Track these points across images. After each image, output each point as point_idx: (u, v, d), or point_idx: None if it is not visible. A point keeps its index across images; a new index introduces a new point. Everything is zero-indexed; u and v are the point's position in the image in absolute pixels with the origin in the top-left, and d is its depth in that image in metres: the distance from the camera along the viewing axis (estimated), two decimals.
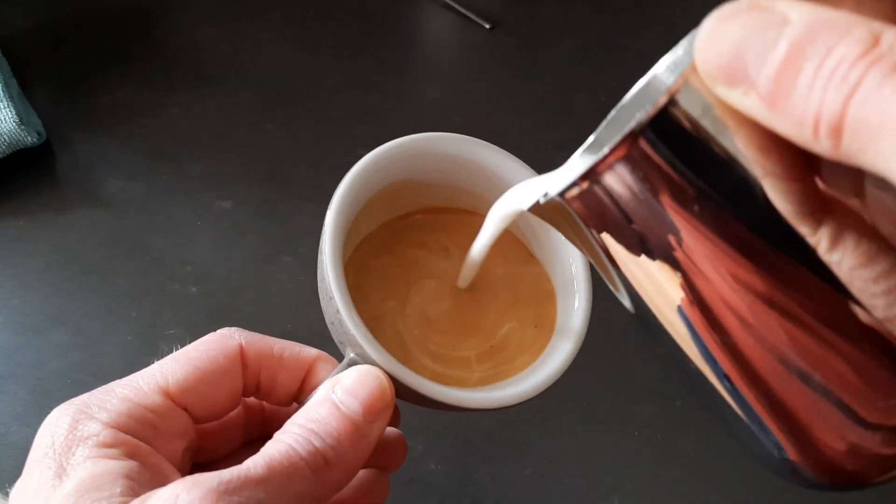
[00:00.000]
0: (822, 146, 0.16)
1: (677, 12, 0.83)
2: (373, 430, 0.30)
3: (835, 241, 0.18)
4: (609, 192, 0.21)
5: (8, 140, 0.63)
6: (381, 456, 0.35)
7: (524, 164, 0.37)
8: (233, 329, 0.33)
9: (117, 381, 0.30)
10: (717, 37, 0.17)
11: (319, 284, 0.33)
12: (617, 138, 0.20)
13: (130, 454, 0.27)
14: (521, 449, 0.54)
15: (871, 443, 0.20)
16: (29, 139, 0.64)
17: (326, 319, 0.34)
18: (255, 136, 0.71)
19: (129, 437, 0.28)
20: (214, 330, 0.56)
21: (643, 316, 0.24)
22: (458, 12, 0.84)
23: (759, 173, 0.19)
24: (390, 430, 0.36)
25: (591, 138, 0.22)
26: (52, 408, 0.53)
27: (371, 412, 0.30)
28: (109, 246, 0.62)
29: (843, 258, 0.18)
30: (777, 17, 0.17)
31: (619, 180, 0.21)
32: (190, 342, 0.56)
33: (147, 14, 0.82)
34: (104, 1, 0.83)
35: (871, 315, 0.19)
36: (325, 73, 0.77)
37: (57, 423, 0.28)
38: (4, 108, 0.63)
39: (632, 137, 0.20)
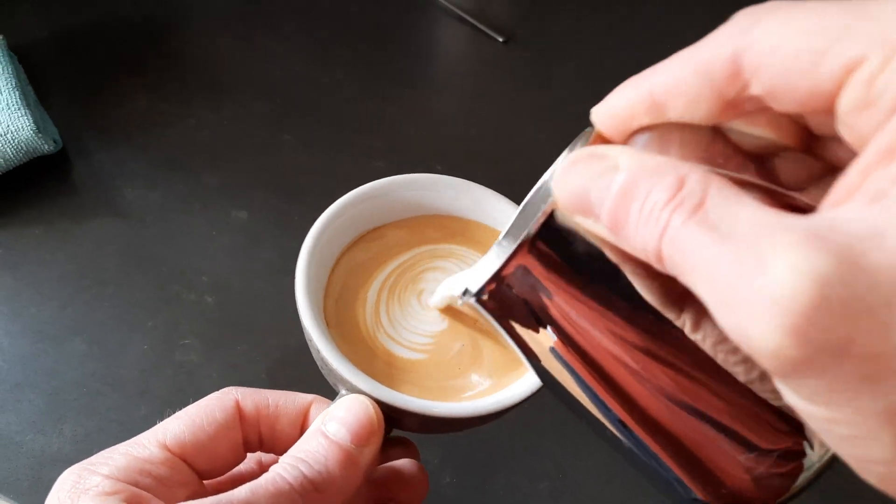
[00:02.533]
0: (657, 266, 0.19)
1: (686, 26, 0.83)
2: (363, 455, 0.31)
3: (695, 324, 0.22)
4: (510, 291, 0.26)
5: (25, 148, 0.63)
6: (402, 490, 0.37)
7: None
8: (231, 387, 0.35)
9: (122, 443, 0.32)
10: (567, 180, 0.22)
11: (302, 325, 0.34)
12: (510, 250, 0.25)
13: (130, 500, 0.29)
14: (538, 462, 0.54)
15: (765, 467, 0.23)
16: (45, 147, 0.64)
17: (317, 363, 0.35)
18: (271, 146, 0.71)
19: (128, 486, 0.29)
20: (229, 340, 0.57)
21: (549, 384, 0.28)
22: (472, 25, 0.84)
23: (627, 272, 0.23)
24: (409, 463, 0.37)
25: (499, 238, 0.26)
26: (67, 417, 0.53)
27: (359, 437, 0.31)
28: (126, 255, 0.62)
29: (704, 337, 0.22)
30: (610, 164, 0.20)
31: (518, 281, 0.26)
32: (205, 352, 0.56)
33: (163, 24, 0.83)
34: (121, 11, 0.84)
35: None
36: (339, 85, 0.77)
37: (63, 481, 0.30)
38: (22, 116, 0.63)
39: (522, 248, 0.25)
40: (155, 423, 0.33)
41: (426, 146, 0.72)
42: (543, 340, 0.26)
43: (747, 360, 0.22)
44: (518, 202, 0.39)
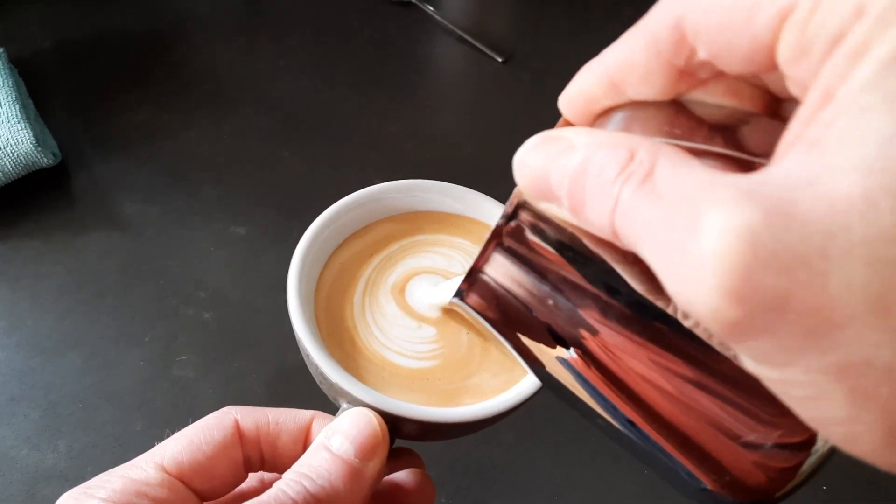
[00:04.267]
0: (617, 244, 0.19)
1: None
2: (368, 469, 0.31)
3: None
4: (488, 287, 0.26)
5: (24, 161, 0.63)
6: (409, 501, 0.36)
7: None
8: (231, 406, 0.35)
9: (119, 466, 0.32)
10: (526, 165, 0.21)
11: (298, 342, 0.34)
12: (484, 243, 0.25)
13: None
14: (533, 482, 0.54)
15: (771, 454, 0.22)
16: (45, 160, 0.64)
17: (314, 378, 0.35)
18: (271, 161, 0.71)
19: None
20: (227, 355, 0.57)
21: (555, 388, 0.27)
22: (471, 45, 0.85)
23: (607, 259, 0.22)
24: (415, 472, 0.37)
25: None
26: (63, 431, 0.53)
27: (363, 450, 0.31)
28: (124, 269, 0.62)
29: (697, 321, 0.21)
30: (566, 145, 0.20)
31: (496, 273, 0.25)
32: (202, 367, 0.56)
33: (165, 37, 0.83)
34: (122, 23, 0.84)
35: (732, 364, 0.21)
36: (341, 101, 0.78)
37: None
38: (21, 129, 0.64)
39: (494, 240, 0.25)
40: (151, 438, 0.33)
41: (425, 163, 0.73)
42: (546, 344, 0.26)
43: None
44: None
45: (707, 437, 0.23)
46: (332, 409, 0.35)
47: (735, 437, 0.22)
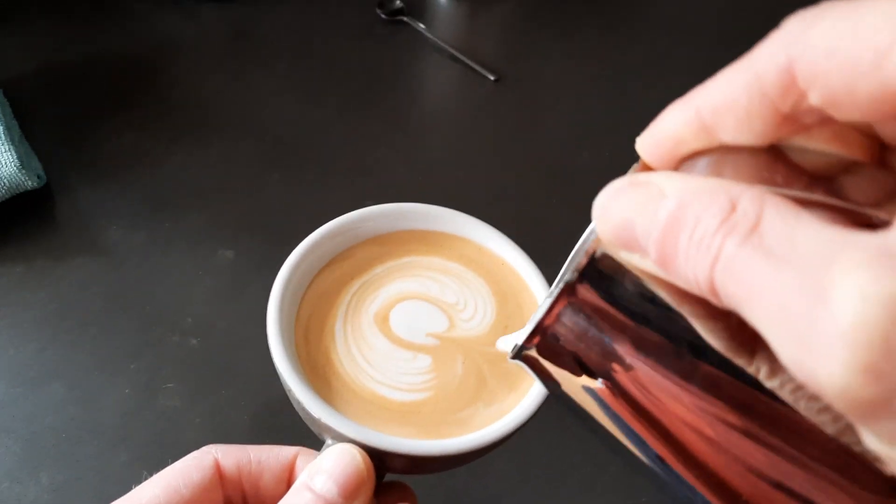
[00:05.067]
0: (711, 300, 0.18)
1: (683, 71, 0.83)
2: None
3: (771, 370, 0.19)
4: (552, 346, 0.24)
5: (8, 184, 0.62)
6: None
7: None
8: (211, 445, 0.34)
9: None
10: (609, 213, 0.20)
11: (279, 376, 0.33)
12: (550, 299, 0.23)
13: None
14: None
15: None
16: (29, 183, 0.63)
17: (298, 413, 0.34)
18: (258, 185, 0.70)
19: None
20: (213, 384, 0.56)
21: (618, 451, 0.25)
22: (463, 64, 0.84)
23: (687, 314, 0.20)
24: None
25: (559, 278, 0.24)
26: (45, 464, 0.52)
27: (347, 489, 0.30)
28: (109, 296, 0.61)
29: (782, 383, 0.19)
30: (655, 191, 0.19)
31: (559, 335, 0.24)
32: (188, 397, 0.55)
33: (151, 60, 0.82)
34: (108, 46, 0.83)
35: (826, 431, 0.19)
36: (329, 124, 0.77)
37: None
38: (5, 151, 0.63)
39: (564, 295, 0.23)
40: (135, 471, 0.32)
41: (416, 186, 0.72)
42: (587, 383, 0.24)
43: (831, 409, 0.19)
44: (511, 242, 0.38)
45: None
46: (320, 442, 0.34)
47: None
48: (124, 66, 0.81)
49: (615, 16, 0.96)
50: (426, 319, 0.36)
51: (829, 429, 0.19)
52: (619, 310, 0.22)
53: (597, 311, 0.23)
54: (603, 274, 0.22)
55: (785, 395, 0.19)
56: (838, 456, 0.19)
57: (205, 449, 0.33)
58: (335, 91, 0.81)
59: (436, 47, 0.86)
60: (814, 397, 0.19)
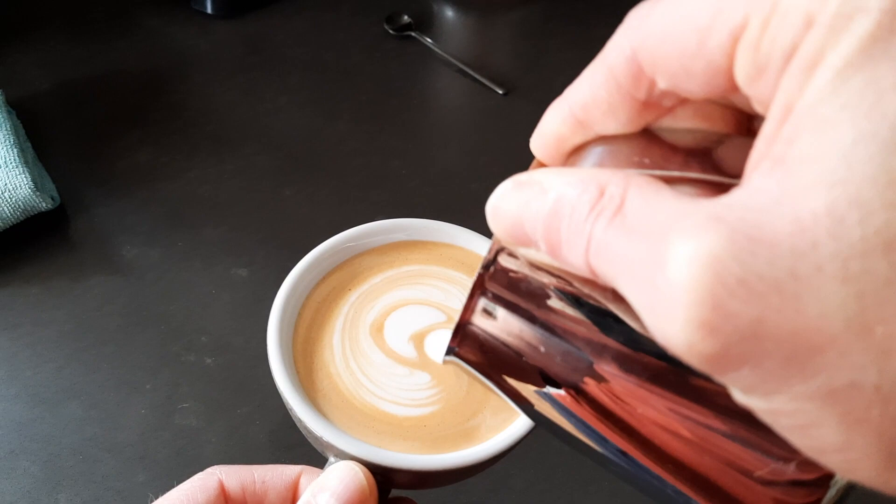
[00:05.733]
0: (598, 282, 0.19)
1: None
2: None
3: None
4: (479, 341, 0.25)
5: (22, 206, 0.63)
6: None
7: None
8: (216, 467, 0.34)
9: None
10: (500, 213, 0.21)
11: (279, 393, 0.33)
12: (468, 294, 0.24)
13: None
14: None
15: (786, 495, 0.21)
16: (43, 205, 0.63)
17: (302, 432, 0.34)
18: (273, 200, 0.71)
19: None
20: (230, 403, 0.56)
21: (544, 426, 0.26)
22: (472, 78, 0.84)
23: (602, 300, 0.21)
24: None
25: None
26: (63, 485, 0.52)
27: None
28: (125, 315, 0.61)
29: None
30: (538, 189, 0.20)
31: (483, 326, 0.25)
32: (205, 415, 0.55)
33: (165, 77, 0.83)
34: (121, 63, 0.84)
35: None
36: (342, 138, 0.77)
37: None
38: (20, 174, 0.63)
39: (478, 288, 0.24)
40: (153, 490, 0.32)
41: (429, 199, 0.72)
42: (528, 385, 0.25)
43: None
44: None
45: (721, 476, 0.22)
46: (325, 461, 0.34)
47: (748, 474, 0.21)
48: (138, 83, 0.81)
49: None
50: (427, 322, 0.36)
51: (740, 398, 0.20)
52: (529, 299, 0.23)
53: (510, 302, 0.24)
54: (508, 269, 0.23)
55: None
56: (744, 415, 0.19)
57: (209, 470, 0.33)
58: (347, 105, 0.81)
59: (444, 61, 0.86)
60: None
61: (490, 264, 0.24)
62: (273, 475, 0.34)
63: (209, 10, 0.90)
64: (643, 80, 0.20)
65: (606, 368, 0.22)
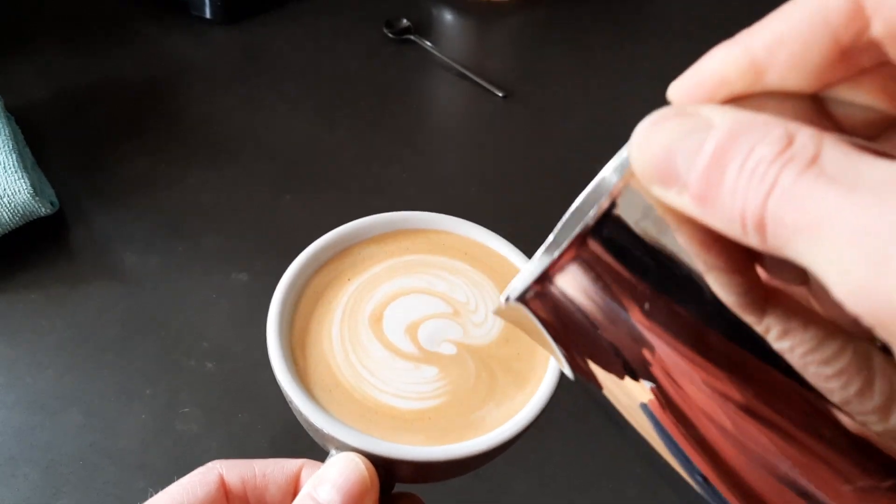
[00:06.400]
0: (751, 240, 0.16)
1: None
2: None
3: (783, 329, 0.18)
4: (564, 295, 0.22)
5: (21, 211, 0.63)
6: None
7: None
8: (216, 461, 0.33)
9: None
10: (650, 141, 0.18)
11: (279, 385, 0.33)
12: (565, 243, 0.20)
13: None
14: None
15: None
16: (42, 210, 0.63)
17: (303, 425, 0.33)
18: (272, 207, 0.70)
19: None
20: (231, 408, 0.56)
21: (615, 413, 0.24)
22: (472, 81, 0.84)
23: (702, 268, 0.19)
24: None
25: (549, 238, 0.22)
26: (63, 492, 0.51)
27: (351, 499, 0.29)
28: (125, 321, 0.61)
29: (792, 345, 0.18)
30: (702, 121, 0.17)
31: (572, 282, 0.21)
32: (205, 422, 0.55)
33: (163, 85, 0.83)
34: (120, 71, 0.84)
35: (829, 403, 0.19)
36: (341, 145, 0.77)
37: None
38: (19, 179, 0.63)
39: (580, 240, 0.20)
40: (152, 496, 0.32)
41: (429, 204, 0.71)
42: (612, 375, 0.22)
43: (843, 373, 0.18)
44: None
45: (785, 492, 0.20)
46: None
47: (838, 486, 0.20)
48: (136, 91, 0.81)
49: (624, 30, 0.96)
50: (430, 312, 0.36)
51: (835, 397, 0.18)
52: (631, 265, 0.21)
53: (607, 266, 0.21)
54: (619, 223, 0.20)
55: (794, 358, 0.18)
56: (840, 429, 0.18)
57: (209, 465, 0.33)
58: (346, 110, 0.81)
59: (444, 65, 0.86)
60: (823, 361, 0.18)
61: (607, 211, 0.20)
62: (274, 469, 0.34)
63: (208, 16, 0.90)
64: (858, 19, 0.18)
65: (695, 360, 0.20)
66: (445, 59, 0.86)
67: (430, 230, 0.39)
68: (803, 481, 0.20)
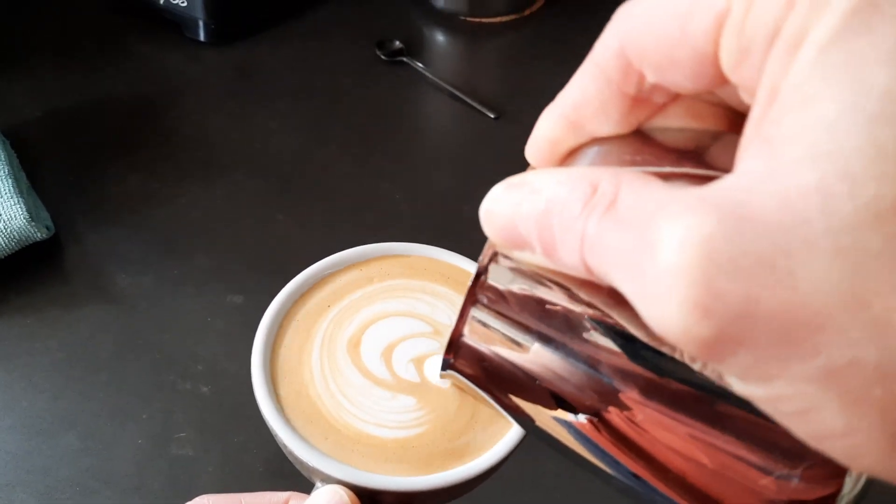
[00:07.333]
0: (595, 281, 0.18)
1: None
2: None
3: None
4: (472, 355, 0.25)
5: (17, 237, 0.63)
6: None
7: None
8: (203, 496, 0.33)
9: None
10: (493, 216, 0.20)
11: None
12: (455, 317, 0.24)
13: None
14: None
15: (791, 495, 0.20)
16: (38, 235, 0.64)
17: (287, 457, 0.34)
18: (265, 226, 0.71)
19: None
20: (226, 431, 0.56)
21: (548, 442, 0.26)
22: (463, 102, 0.85)
23: (602, 306, 0.21)
24: None
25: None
26: None
27: None
28: (119, 343, 0.61)
29: (704, 364, 0.20)
30: (529, 189, 0.19)
31: (473, 344, 0.25)
32: (201, 444, 0.55)
33: (154, 103, 0.83)
34: (111, 90, 0.84)
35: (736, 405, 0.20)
36: (333, 162, 0.78)
37: None
38: (14, 204, 0.63)
39: (464, 314, 0.24)
40: None
41: (421, 222, 0.72)
42: (534, 405, 0.25)
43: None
44: None
45: (725, 489, 0.22)
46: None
47: (751, 483, 0.21)
48: (128, 109, 0.82)
49: None
50: (409, 332, 0.36)
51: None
52: (526, 307, 0.23)
53: (504, 312, 0.23)
54: (504, 275, 0.23)
55: (709, 372, 0.19)
56: (767, 423, 0.18)
57: (196, 500, 0.33)
58: (337, 130, 0.82)
59: (436, 86, 0.87)
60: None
61: (483, 272, 0.23)
62: (261, 502, 0.34)
63: (202, 38, 0.90)
64: (632, 74, 0.20)
65: (609, 377, 0.22)
66: (437, 81, 0.87)
67: (412, 255, 0.40)
68: (727, 478, 0.21)
